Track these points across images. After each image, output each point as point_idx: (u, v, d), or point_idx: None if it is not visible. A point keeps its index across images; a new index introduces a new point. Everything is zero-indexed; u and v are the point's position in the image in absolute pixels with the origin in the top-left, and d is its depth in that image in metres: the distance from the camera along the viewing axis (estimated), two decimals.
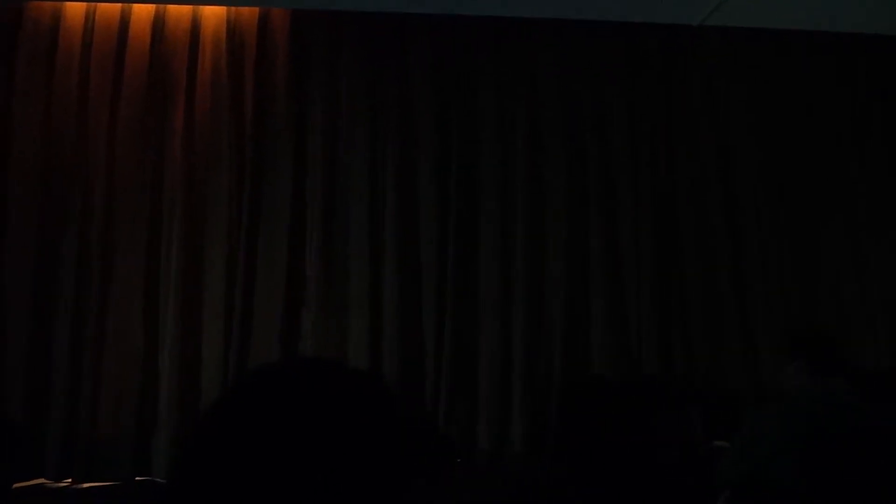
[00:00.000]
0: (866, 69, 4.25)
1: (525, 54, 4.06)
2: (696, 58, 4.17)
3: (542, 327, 3.77)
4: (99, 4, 3.84)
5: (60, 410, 3.42)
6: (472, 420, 3.64)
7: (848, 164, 4.12)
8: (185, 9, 3.90)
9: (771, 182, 4.07)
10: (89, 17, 3.83)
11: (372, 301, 3.71)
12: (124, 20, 3.85)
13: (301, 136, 3.86)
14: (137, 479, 3.44)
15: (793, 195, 4.07)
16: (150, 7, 3.87)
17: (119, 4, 3.85)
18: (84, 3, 3.82)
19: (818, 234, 4.04)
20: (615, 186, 3.98)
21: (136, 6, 3.87)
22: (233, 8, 3.93)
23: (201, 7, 3.91)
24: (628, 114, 4.06)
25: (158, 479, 3.44)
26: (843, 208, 4.07)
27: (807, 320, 3.87)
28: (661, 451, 1.87)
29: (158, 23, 3.88)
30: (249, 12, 3.95)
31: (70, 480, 3.40)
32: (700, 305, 3.90)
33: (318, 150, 3.83)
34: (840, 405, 1.94)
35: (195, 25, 3.90)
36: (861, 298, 3.94)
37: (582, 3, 3.88)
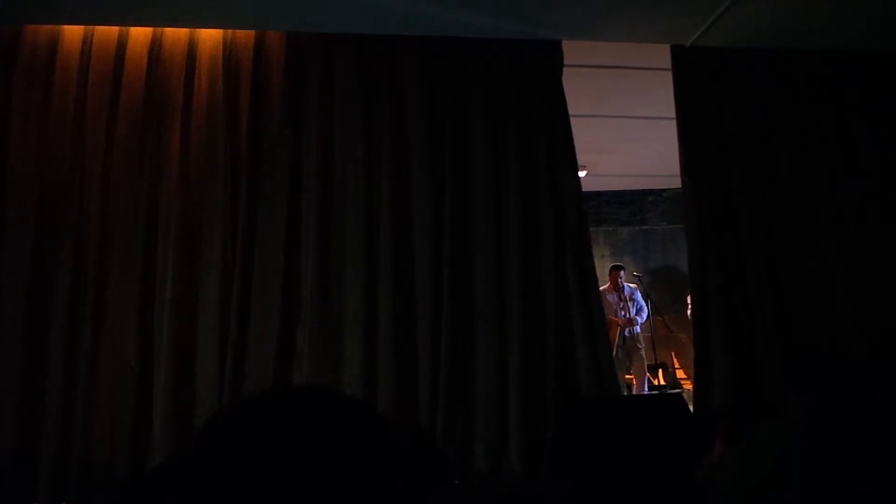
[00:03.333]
0: (855, 87, 4.31)
1: (518, 72, 4.09)
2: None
3: (537, 345, 3.75)
4: (97, 28, 3.88)
5: (53, 433, 3.39)
6: (469, 439, 3.62)
7: (837, 181, 4.17)
8: (182, 31, 3.94)
9: (768, 201, 4.11)
10: (87, 40, 3.86)
11: (367, 320, 3.69)
12: (122, 43, 3.89)
13: (296, 157, 3.87)
14: None
15: (789, 213, 4.11)
16: (148, 30, 3.91)
17: (117, 28, 3.89)
18: (82, 27, 3.86)
19: (812, 251, 4.07)
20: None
21: (134, 29, 3.91)
22: (229, 30, 3.97)
23: (198, 30, 3.95)
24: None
25: None
26: (835, 224, 4.12)
27: (805, 339, 3.88)
28: (659, 467, 1.87)
29: (155, 45, 3.91)
30: (245, 35, 3.99)
31: None
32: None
33: (314, 171, 3.84)
34: (834, 424, 1.93)
35: (192, 48, 3.94)
36: (854, 313, 3.96)
37: (575, 26, 3.94)
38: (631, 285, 6.44)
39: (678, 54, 4.22)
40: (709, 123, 4.20)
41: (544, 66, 4.12)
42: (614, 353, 6.07)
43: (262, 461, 0.59)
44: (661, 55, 4.59)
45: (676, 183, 8.19)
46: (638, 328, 6.20)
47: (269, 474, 0.58)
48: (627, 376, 6.22)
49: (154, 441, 3.45)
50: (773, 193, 4.12)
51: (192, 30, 3.95)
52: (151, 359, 3.56)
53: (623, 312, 6.17)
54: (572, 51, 4.55)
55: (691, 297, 4.21)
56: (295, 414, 0.64)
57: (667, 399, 4.70)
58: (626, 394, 6.03)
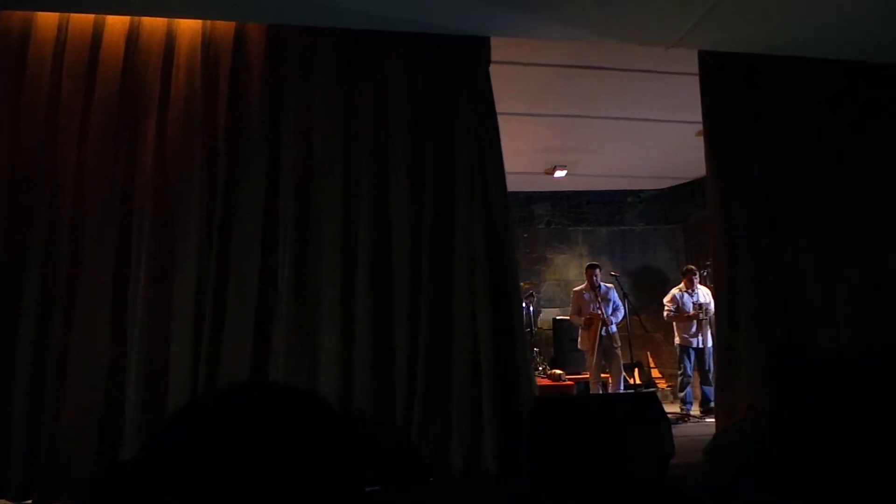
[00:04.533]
0: (851, 93, 4.42)
1: (445, 67, 4.07)
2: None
3: (507, 344, 3.75)
4: (72, 15, 3.80)
5: (22, 426, 3.32)
6: (446, 436, 3.61)
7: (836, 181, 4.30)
8: (160, 21, 3.88)
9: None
10: (62, 28, 3.78)
11: (344, 317, 3.67)
12: (97, 31, 3.81)
13: (275, 150, 3.83)
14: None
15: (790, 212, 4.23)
16: (125, 19, 3.84)
17: (92, 15, 3.81)
18: (56, 14, 3.78)
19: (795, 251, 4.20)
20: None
21: (110, 18, 3.84)
22: (208, 21, 3.92)
23: (176, 20, 3.89)
24: None
25: None
26: (808, 224, 4.23)
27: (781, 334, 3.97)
28: (633, 465, 1.88)
29: (132, 35, 3.84)
30: (225, 26, 3.94)
31: (31, 501, 3.29)
32: None
33: (292, 165, 3.80)
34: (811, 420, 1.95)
35: (170, 38, 3.88)
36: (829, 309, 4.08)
37: (560, 24, 3.95)
38: (607, 284, 6.48)
39: (705, 60, 4.36)
40: (733, 126, 4.37)
41: (473, 62, 4.07)
42: (595, 349, 6.12)
43: (226, 457, 0.59)
44: (642, 57, 4.64)
45: (654, 184, 8.38)
46: (614, 327, 6.24)
47: (232, 469, 0.58)
48: (604, 375, 6.27)
49: (125, 436, 3.40)
50: (778, 195, 4.27)
51: (170, 20, 3.89)
52: (124, 352, 3.51)
53: (598, 311, 6.21)
54: (552, 51, 4.57)
55: (715, 292, 4.36)
56: (258, 411, 0.64)
57: (642, 398, 4.75)
58: (602, 392, 6.09)
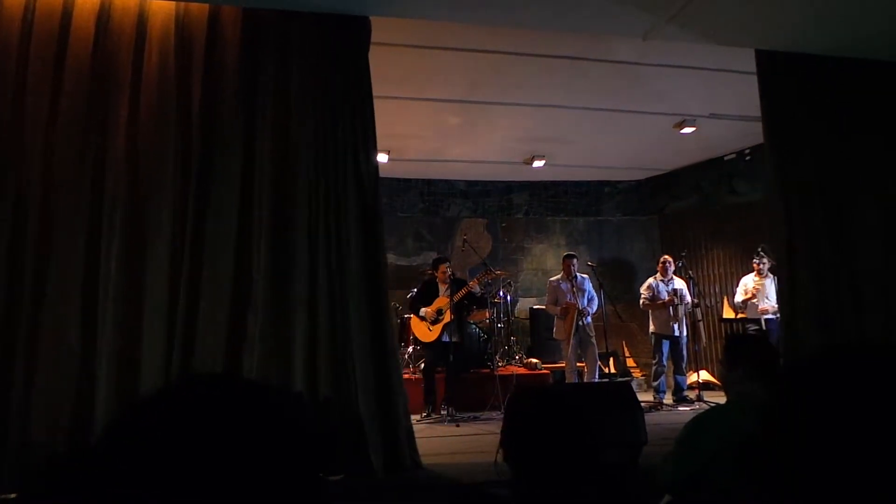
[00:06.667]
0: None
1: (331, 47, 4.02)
2: None
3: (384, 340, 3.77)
4: None
5: None
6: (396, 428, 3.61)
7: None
8: (132, 2, 3.79)
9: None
10: (29, 7, 3.67)
11: (311, 303, 3.64)
12: (67, 10, 3.71)
13: (250, 136, 3.78)
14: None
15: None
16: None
17: None
18: None
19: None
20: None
21: None
22: (181, 3, 3.84)
23: (149, 1, 3.81)
24: None
25: None
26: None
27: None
28: (605, 454, 1.90)
29: (103, 15, 3.75)
30: (199, 8, 3.86)
31: None
32: None
33: (267, 152, 3.75)
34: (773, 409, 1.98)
35: (142, 19, 3.79)
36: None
37: (543, 15, 3.94)
38: (583, 275, 6.52)
39: (763, 57, 4.56)
40: (789, 118, 4.57)
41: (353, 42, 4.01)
42: (570, 338, 6.16)
43: (190, 445, 0.59)
44: (620, 48, 4.65)
45: (632, 175, 8.44)
46: (589, 318, 6.28)
47: (195, 457, 0.58)
48: (579, 364, 6.32)
49: (96, 425, 3.33)
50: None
51: (143, 1, 3.80)
52: (94, 339, 3.44)
53: (574, 301, 6.24)
54: (531, 41, 4.56)
55: (778, 281, 4.81)
56: (222, 402, 0.64)
57: (616, 387, 4.80)
58: (577, 381, 6.14)
